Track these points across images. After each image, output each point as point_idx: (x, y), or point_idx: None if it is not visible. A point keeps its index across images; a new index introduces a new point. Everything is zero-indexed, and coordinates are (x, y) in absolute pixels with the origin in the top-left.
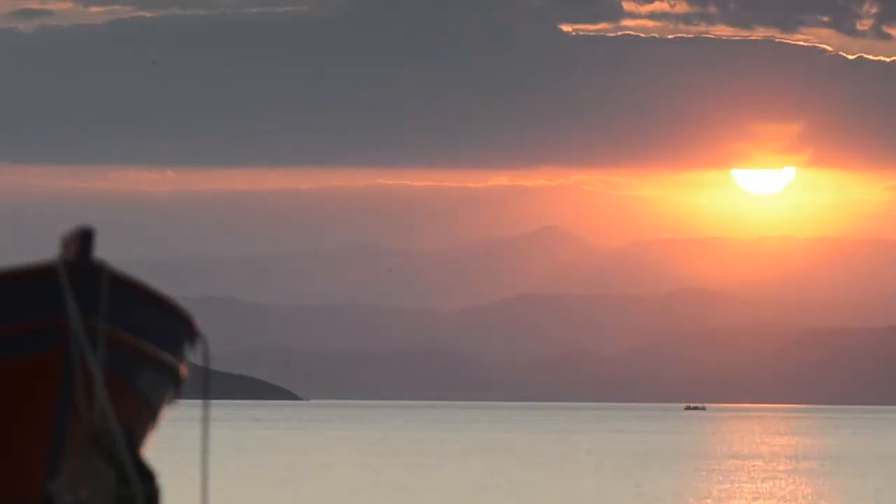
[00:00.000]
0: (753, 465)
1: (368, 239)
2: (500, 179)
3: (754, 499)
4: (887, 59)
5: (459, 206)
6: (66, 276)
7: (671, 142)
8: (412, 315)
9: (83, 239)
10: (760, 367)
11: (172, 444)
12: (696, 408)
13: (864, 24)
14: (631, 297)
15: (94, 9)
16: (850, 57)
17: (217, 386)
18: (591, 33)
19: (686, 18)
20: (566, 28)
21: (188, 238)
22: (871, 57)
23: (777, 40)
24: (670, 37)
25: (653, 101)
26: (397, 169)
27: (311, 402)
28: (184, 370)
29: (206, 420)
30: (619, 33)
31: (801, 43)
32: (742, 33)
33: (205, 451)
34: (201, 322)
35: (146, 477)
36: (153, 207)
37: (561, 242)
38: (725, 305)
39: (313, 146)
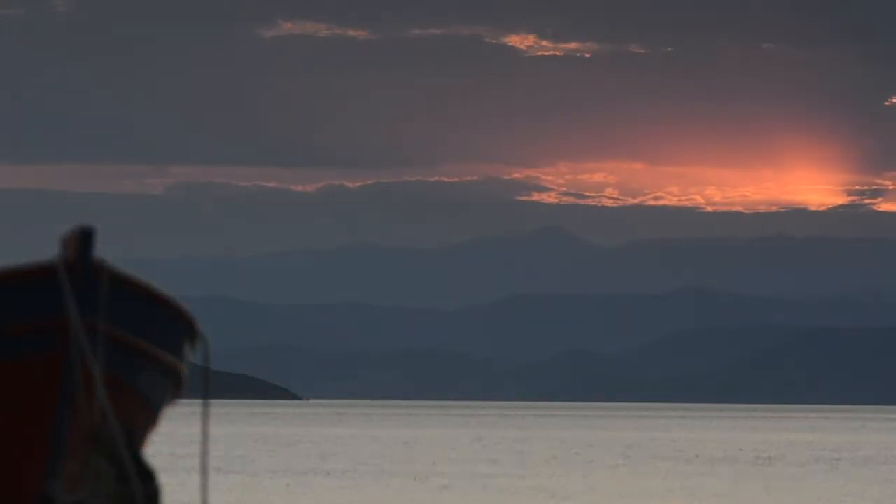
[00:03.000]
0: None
1: (368, 239)
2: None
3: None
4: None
5: (458, 205)
6: (66, 276)
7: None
8: (412, 315)
9: (83, 238)
10: (761, 368)
11: (172, 443)
12: None
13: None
14: (631, 297)
15: None
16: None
17: (217, 386)
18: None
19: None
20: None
21: (188, 238)
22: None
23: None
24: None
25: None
26: (398, 167)
27: (311, 401)
28: (184, 370)
29: (205, 419)
30: None
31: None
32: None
33: (204, 450)
34: (201, 322)
35: (146, 476)
36: (153, 206)
37: (561, 242)
38: (725, 305)
39: (313, 146)
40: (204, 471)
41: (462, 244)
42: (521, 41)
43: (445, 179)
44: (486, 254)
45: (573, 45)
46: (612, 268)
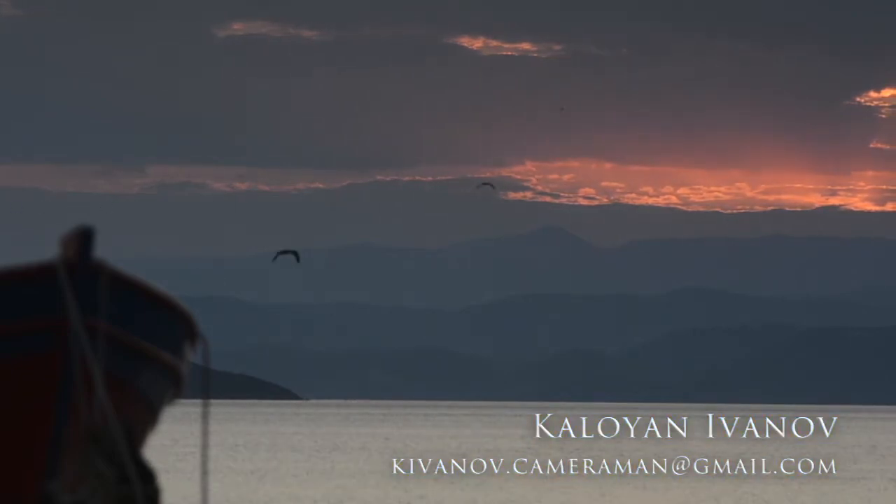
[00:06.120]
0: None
1: (368, 239)
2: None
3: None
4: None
5: (456, 205)
6: (66, 276)
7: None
8: (412, 315)
9: (83, 238)
10: (760, 367)
11: (172, 443)
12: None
13: None
14: (631, 297)
15: None
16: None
17: (217, 385)
18: None
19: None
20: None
21: (189, 238)
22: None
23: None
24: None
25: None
26: (398, 168)
27: (311, 401)
28: (184, 369)
29: (205, 419)
30: None
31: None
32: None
33: (204, 450)
34: (201, 322)
35: (146, 476)
36: (152, 207)
37: (561, 242)
38: (725, 305)
39: (312, 147)
40: (204, 471)
41: (462, 244)
42: (471, 41)
43: (420, 179)
44: (486, 254)
45: (526, 46)
46: (611, 268)
